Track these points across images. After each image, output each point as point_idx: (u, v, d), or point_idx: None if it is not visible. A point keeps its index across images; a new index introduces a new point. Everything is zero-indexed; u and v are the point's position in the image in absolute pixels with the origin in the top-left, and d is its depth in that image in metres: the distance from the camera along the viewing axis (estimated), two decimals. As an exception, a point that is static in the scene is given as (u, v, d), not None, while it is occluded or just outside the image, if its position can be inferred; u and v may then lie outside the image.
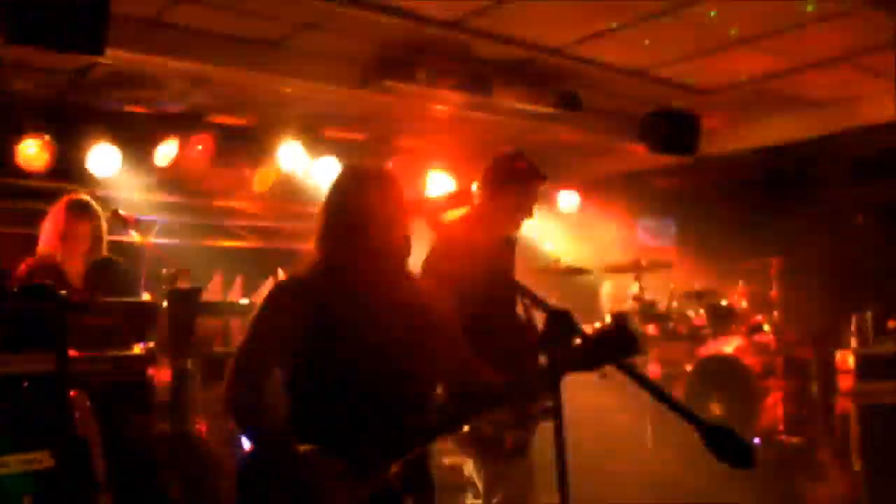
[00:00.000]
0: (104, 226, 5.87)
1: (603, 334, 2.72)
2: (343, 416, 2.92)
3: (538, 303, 2.36)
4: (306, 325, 2.94)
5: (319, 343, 2.94)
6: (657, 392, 2.15)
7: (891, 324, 7.21)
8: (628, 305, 8.67)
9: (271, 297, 3.07)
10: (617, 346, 2.60)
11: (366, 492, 2.79)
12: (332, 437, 2.84)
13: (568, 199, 10.33)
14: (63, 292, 4.50)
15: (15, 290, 4.46)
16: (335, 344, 2.94)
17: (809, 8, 6.09)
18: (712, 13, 6.21)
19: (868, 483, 6.48)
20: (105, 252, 5.88)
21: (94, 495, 4.39)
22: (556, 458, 2.26)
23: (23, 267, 5.63)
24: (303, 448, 2.77)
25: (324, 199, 3.18)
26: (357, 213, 3.05)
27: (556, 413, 2.33)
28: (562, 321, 2.32)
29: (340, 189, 3.18)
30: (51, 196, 6.26)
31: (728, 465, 1.93)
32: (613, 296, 9.33)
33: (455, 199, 2.74)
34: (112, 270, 5.92)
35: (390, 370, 2.97)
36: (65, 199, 5.88)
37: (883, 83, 7.57)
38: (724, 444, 1.93)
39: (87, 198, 5.96)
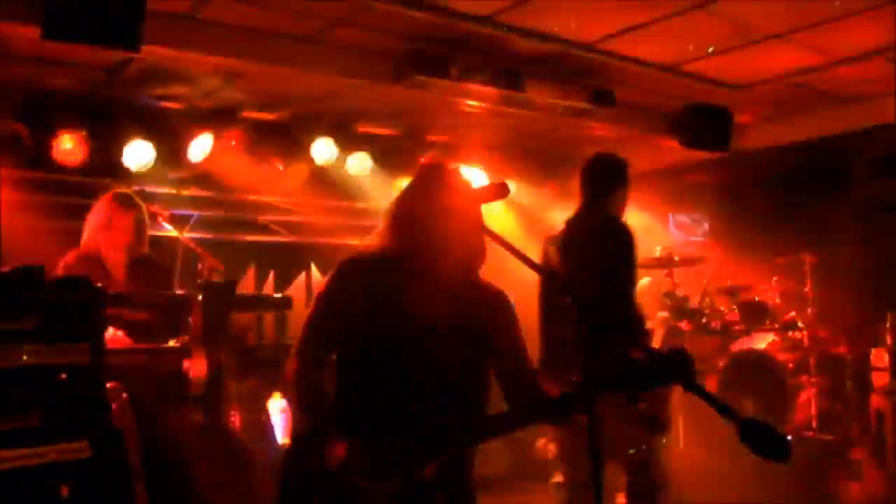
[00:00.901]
0: (147, 218, 5.98)
1: (657, 358, 2.65)
2: (382, 406, 2.94)
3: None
4: (364, 304, 3.01)
5: (369, 328, 3.00)
6: (692, 385, 2.15)
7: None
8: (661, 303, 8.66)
9: (338, 272, 3.12)
10: (672, 369, 2.51)
11: (399, 486, 2.80)
12: (370, 425, 2.89)
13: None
14: (99, 285, 4.54)
15: (52, 281, 4.51)
16: (382, 331, 3.00)
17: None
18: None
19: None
20: (147, 244, 6.00)
21: (130, 486, 4.43)
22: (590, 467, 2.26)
23: (67, 257, 5.75)
24: (341, 440, 2.85)
25: (400, 191, 3.21)
26: (426, 209, 3.05)
27: (590, 428, 2.34)
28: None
29: (417, 183, 3.19)
30: (87, 191, 6.36)
31: (763, 459, 1.92)
32: (648, 292, 9.30)
33: (491, 193, 2.73)
34: (148, 264, 6.03)
35: (432, 367, 2.98)
36: (110, 191, 6.02)
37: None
38: (760, 437, 1.92)
39: (130, 191, 6.08)
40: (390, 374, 2.96)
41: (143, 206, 6.01)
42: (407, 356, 2.97)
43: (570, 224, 5.03)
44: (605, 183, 5.00)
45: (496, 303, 3.20)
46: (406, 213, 3.12)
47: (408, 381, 2.96)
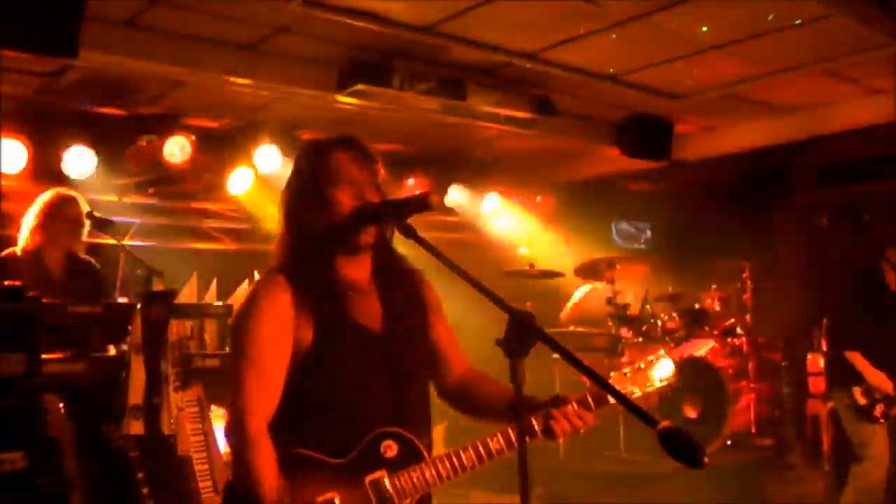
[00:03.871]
0: (84, 218, 5.98)
1: None
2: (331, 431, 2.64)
3: (501, 305, 2.34)
4: (305, 325, 2.62)
5: (318, 351, 2.62)
6: (612, 390, 2.19)
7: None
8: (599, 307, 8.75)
9: (259, 297, 2.68)
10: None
11: None
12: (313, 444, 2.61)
13: (541, 203, 10.43)
14: (35, 293, 4.51)
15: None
16: (332, 349, 2.65)
17: (770, 17, 6.17)
18: (705, 28, 6.29)
19: (837, 485, 6.55)
20: (83, 244, 6.00)
21: (66, 497, 4.40)
22: (518, 463, 2.26)
23: (3, 257, 5.72)
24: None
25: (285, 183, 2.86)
26: (323, 182, 2.72)
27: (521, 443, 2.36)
28: (523, 324, 2.28)
29: (303, 162, 2.84)
30: (26, 198, 6.29)
31: (680, 464, 1.96)
32: (592, 298, 9.39)
33: (413, 204, 2.65)
34: (86, 265, 6.01)
35: (381, 372, 2.71)
36: (46, 192, 6.01)
37: (851, 89, 7.67)
38: (676, 443, 1.96)
39: (67, 191, 6.07)
40: (336, 396, 2.64)
41: (81, 206, 6.01)
42: (372, 371, 2.69)
43: None
44: None
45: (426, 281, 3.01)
46: (302, 200, 2.79)
47: (355, 401, 2.66)
